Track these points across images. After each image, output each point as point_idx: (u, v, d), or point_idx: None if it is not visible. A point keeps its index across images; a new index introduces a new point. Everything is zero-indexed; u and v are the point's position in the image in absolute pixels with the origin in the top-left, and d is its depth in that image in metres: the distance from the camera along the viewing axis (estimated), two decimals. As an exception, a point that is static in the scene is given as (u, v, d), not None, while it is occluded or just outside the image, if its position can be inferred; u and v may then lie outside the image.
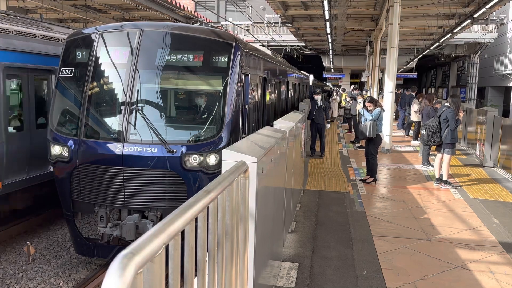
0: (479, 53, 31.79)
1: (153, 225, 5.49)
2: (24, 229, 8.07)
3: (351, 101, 16.62)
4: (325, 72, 35.80)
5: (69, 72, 6.25)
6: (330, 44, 23.00)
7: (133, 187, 5.65)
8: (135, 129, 5.74)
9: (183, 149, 5.61)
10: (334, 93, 20.83)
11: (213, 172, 5.59)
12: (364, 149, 9.39)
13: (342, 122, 20.83)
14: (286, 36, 29.45)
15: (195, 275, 1.77)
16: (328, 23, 15.72)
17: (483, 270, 4.67)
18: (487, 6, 13.71)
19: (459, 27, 17.70)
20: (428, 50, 25.88)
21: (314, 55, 36.05)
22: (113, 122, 5.95)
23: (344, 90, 23.44)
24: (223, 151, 2.86)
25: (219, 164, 5.52)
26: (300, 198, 7.21)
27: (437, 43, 23.09)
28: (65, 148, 5.93)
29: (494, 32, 28.71)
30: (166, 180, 5.66)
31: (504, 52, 32.15)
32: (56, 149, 6.03)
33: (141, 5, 15.91)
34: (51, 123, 6.21)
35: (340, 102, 21.54)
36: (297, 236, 5.53)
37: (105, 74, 6.17)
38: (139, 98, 5.83)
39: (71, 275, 6.54)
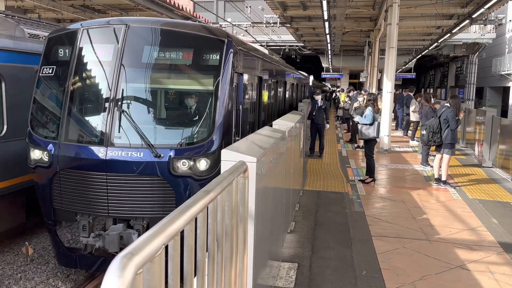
0: (477, 53, 31.86)
1: (139, 235, 5.23)
2: (22, 230, 8.05)
3: (349, 102, 16.62)
4: (324, 73, 35.84)
5: (50, 71, 5.88)
6: (328, 45, 23.04)
7: (117, 194, 5.27)
8: (119, 132, 5.35)
9: (171, 153, 5.23)
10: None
11: (204, 178, 5.24)
12: (363, 149, 9.42)
13: (341, 123, 20.84)
14: (285, 37, 29.48)
15: (195, 276, 1.76)
16: (327, 24, 15.75)
17: (482, 270, 4.67)
18: (486, 7, 13.74)
19: (458, 28, 17.74)
20: (427, 50, 25.94)
21: (312, 55, 36.10)
22: (96, 124, 5.56)
23: (343, 90, 23.46)
24: (223, 151, 2.84)
25: (210, 169, 5.27)
26: (299, 198, 7.21)
27: (436, 44, 23.15)
28: (45, 152, 5.54)
29: (493, 32, 28.79)
30: (153, 186, 5.29)
31: (502, 53, 32.21)
32: (36, 153, 5.64)
33: (139, 5, 15.91)
34: (31, 125, 5.84)
35: (339, 102, 21.54)
36: (296, 237, 5.52)
37: (88, 73, 5.78)
38: (124, 99, 5.46)
39: (69, 275, 6.52)
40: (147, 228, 5.00)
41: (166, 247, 1.36)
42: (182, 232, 1.52)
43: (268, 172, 3.35)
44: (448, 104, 8.39)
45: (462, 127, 13.68)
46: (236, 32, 24.15)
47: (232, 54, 5.70)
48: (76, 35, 5.78)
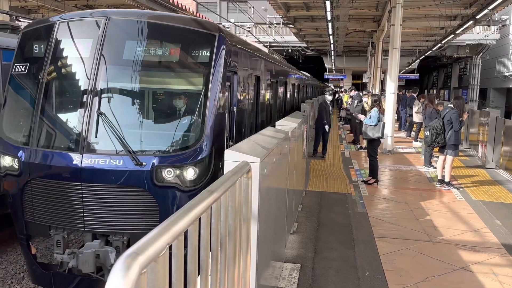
0: (481, 54, 31.81)
1: (118, 253, 4.66)
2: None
3: (350, 102, 16.60)
4: (327, 73, 35.85)
5: (23, 69, 5.31)
6: (332, 45, 23.03)
7: (94, 207, 4.71)
8: (96, 136, 4.79)
9: (155, 161, 4.67)
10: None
11: (191, 190, 4.71)
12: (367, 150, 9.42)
13: (344, 123, 20.83)
14: (288, 37, 29.54)
15: (198, 275, 1.76)
16: (330, 24, 15.73)
17: (486, 272, 4.65)
18: (490, 8, 13.70)
19: (461, 28, 17.70)
20: (430, 51, 25.90)
21: (315, 56, 36.12)
22: (71, 128, 5.01)
23: (345, 91, 23.50)
24: (226, 151, 2.84)
25: (198, 179, 4.74)
26: (302, 199, 7.20)
27: (439, 44, 23.11)
28: (16, 159, 5.01)
29: (496, 33, 28.74)
30: (134, 198, 4.73)
31: (506, 54, 32.11)
32: (6, 160, 5.09)
33: (143, 5, 15.94)
34: (1, 129, 5.32)
35: (342, 103, 21.57)
36: (299, 237, 5.51)
37: (63, 71, 5.24)
38: (101, 100, 4.89)
39: (72, 275, 6.53)
40: (128, 245, 4.68)
41: (170, 247, 1.36)
42: (186, 232, 1.52)
43: (271, 172, 3.35)
44: (451, 105, 8.37)
45: (466, 128, 13.65)
46: (239, 33, 24.20)
47: (224, 50, 5.16)
48: (52, 29, 5.24)
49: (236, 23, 24.22)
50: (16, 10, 17.22)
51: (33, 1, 16.05)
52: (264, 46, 20.53)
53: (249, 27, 25.16)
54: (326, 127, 11.66)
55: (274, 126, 5.22)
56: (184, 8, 18.99)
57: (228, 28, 23.93)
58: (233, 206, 2.17)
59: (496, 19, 25.10)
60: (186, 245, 1.55)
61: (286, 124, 5.29)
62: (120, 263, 1.05)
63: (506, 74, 30.77)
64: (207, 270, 1.82)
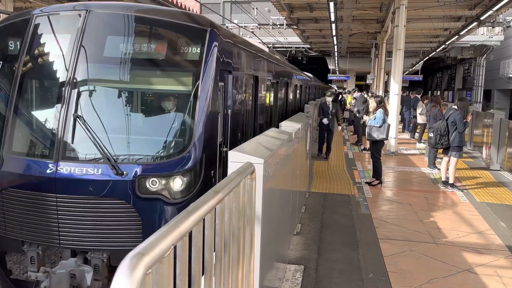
0: (485, 55, 31.73)
1: (97, 272, 4.27)
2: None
3: (354, 103, 16.58)
4: (330, 74, 35.85)
5: None
6: (335, 46, 23.04)
7: (70, 220, 4.26)
8: (72, 142, 4.37)
9: (138, 169, 4.24)
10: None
11: (179, 202, 4.29)
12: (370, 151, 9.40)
13: (347, 125, 20.81)
14: (291, 38, 29.58)
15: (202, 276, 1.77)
16: (333, 25, 15.75)
17: (490, 274, 4.63)
18: (494, 9, 13.68)
19: (465, 30, 17.68)
20: (434, 52, 25.87)
21: (319, 57, 36.13)
22: (45, 133, 4.57)
23: (349, 92, 23.51)
24: (230, 152, 2.83)
25: (187, 190, 4.31)
26: (305, 200, 7.19)
27: (443, 46, 23.07)
28: None
29: (501, 34, 28.65)
30: (114, 212, 4.29)
31: (510, 55, 32.00)
32: None
33: (146, 6, 15.99)
34: None
35: (346, 104, 21.58)
36: (302, 239, 5.51)
37: (38, 70, 4.80)
38: (79, 102, 4.45)
39: (76, 275, 6.54)
40: (109, 263, 4.32)
41: (175, 248, 1.36)
42: (190, 233, 1.52)
43: (275, 173, 3.34)
44: (455, 107, 8.35)
45: (470, 129, 13.60)
46: (242, 34, 24.23)
47: (217, 47, 4.72)
48: (27, 23, 4.79)
49: (240, 24, 24.26)
50: (20, 11, 17.29)
51: (37, 2, 16.13)
52: (267, 46, 20.55)
53: (252, 28, 25.21)
54: (325, 120, 11.51)
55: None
56: (187, 9, 19.04)
57: (231, 29, 23.96)
58: (237, 207, 2.18)
59: (501, 20, 25.02)
60: (190, 246, 1.55)
61: (290, 125, 5.29)
62: (126, 263, 1.05)
63: (511, 75, 30.67)
64: (211, 271, 1.82)
